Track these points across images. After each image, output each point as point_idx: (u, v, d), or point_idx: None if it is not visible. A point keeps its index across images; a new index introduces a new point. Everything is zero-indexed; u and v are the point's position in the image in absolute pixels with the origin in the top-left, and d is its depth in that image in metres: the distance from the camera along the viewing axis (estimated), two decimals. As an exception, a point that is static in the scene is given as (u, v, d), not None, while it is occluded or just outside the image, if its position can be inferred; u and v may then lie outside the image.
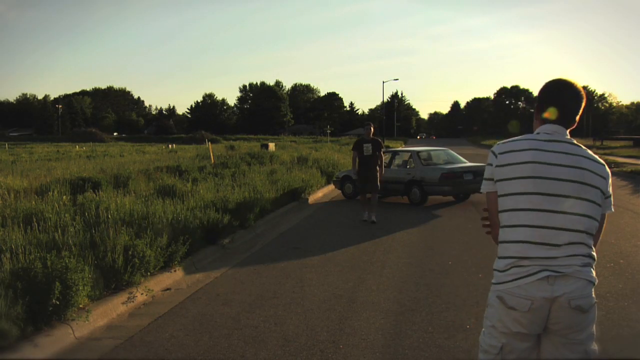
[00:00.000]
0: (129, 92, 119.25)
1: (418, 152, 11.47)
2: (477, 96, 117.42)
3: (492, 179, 1.92)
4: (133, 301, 4.41)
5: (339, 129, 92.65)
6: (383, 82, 59.19)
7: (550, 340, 1.83)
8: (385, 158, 12.28)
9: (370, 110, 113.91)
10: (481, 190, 1.99)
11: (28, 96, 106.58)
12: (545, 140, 1.87)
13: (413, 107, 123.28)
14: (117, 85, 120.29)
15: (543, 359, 1.87)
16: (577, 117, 1.92)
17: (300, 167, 14.86)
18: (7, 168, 14.80)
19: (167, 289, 4.89)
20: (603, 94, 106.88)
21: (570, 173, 1.81)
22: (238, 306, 4.42)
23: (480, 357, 1.92)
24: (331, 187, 13.48)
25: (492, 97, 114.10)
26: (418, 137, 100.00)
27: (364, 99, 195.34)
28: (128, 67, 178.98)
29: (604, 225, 1.91)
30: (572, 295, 1.75)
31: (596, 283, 1.82)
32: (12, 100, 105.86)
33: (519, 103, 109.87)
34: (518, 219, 1.82)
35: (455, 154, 12.26)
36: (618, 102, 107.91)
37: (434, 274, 5.35)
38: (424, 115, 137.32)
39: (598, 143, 44.73)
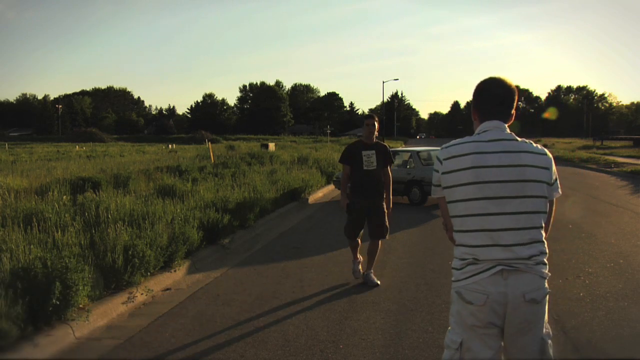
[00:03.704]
0: (129, 92, 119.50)
1: (418, 152, 11.48)
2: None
3: (439, 185, 2.00)
4: (133, 301, 4.40)
5: (339, 129, 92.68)
6: (383, 82, 59.30)
7: (509, 339, 1.89)
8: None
9: (370, 110, 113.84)
10: (432, 195, 2.08)
11: (28, 96, 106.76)
12: (486, 141, 1.92)
13: (413, 107, 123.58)
14: (117, 85, 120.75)
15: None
16: (513, 111, 2.01)
17: (300, 167, 14.86)
18: (7, 168, 14.80)
19: (167, 289, 4.89)
20: (603, 94, 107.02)
21: (512, 173, 1.86)
22: (238, 306, 4.42)
23: (444, 354, 1.98)
24: (331, 187, 13.48)
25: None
26: (418, 137, 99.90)
27: (364, 99, 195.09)
28: (128, 67, 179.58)
29: (554, 208, 2.00)
30: (525, 289, 1.82)
31: (548, 277, 1.89)
32: (12, 100, 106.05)
33: (519, 103, 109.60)
34: (468, 225, 1.90)
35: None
36: (618, 102, 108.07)
37: (434, 274, 5.35)
38: (424, 115, 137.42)
39: (598, 143, 44.74)
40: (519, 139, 1.95)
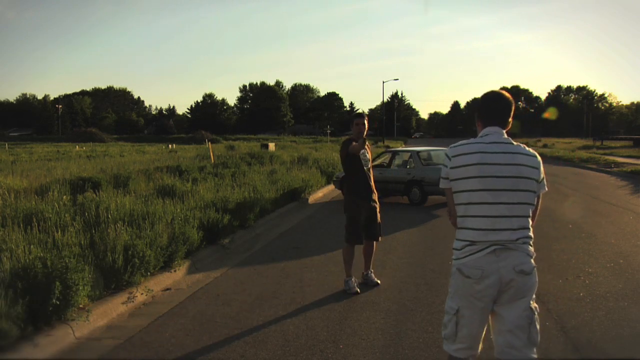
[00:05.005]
0: (129, 92, 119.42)
1: (418, 152, 11.48)
2: (477, 96, 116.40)
3: (447, 178, 2.35)
4: (133, 301, 4.41)
5: (339, 129, 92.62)
6: (383, 82, 59.38)
7: (503, 306, 2.23)
8: (385, 158, 12.27)
9: (370, 110, 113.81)
10: (440, 186, 2.42)
11: (28, 96, 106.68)
12: (489, 143, 2.29)
13: (413, 107, 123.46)
14: (117, 85, 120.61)
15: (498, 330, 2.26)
16: (510, 120, 2.39)
17: (300, 167, 14.85)
18: (7, 168, 14.79)
19: (167, 289, 4.89)
20: (603, 94, 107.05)
21: (509, 170, 2.23)
22: (238, 306, 4.42)
23: (444, 318, 2.35)
24: (331, 187, 13.47)
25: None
26: (413, 136, 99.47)
27: (364, 99, 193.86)
28: (128, 67, 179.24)
29: (540, 202, 2.37)
30: (515, 262, 2.19)
31: (534, 256, 2.25)
32: (12, 100, 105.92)
33: (519, 103, 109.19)
34: (470, 211, 2.26)
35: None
36: (618, 102, 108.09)
37: (434, 274, 5.35)
38: (424, 115, 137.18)
39: (598, 143, 44.72)
40: (514, 142, 2.32)
